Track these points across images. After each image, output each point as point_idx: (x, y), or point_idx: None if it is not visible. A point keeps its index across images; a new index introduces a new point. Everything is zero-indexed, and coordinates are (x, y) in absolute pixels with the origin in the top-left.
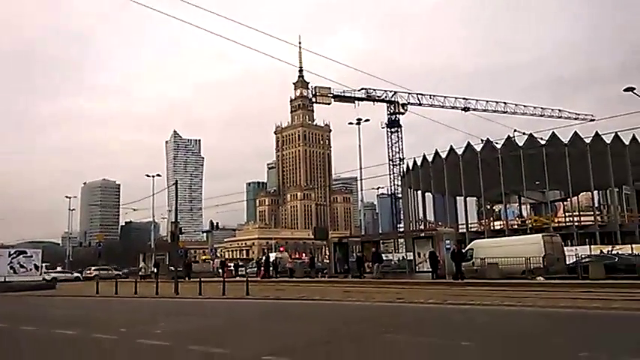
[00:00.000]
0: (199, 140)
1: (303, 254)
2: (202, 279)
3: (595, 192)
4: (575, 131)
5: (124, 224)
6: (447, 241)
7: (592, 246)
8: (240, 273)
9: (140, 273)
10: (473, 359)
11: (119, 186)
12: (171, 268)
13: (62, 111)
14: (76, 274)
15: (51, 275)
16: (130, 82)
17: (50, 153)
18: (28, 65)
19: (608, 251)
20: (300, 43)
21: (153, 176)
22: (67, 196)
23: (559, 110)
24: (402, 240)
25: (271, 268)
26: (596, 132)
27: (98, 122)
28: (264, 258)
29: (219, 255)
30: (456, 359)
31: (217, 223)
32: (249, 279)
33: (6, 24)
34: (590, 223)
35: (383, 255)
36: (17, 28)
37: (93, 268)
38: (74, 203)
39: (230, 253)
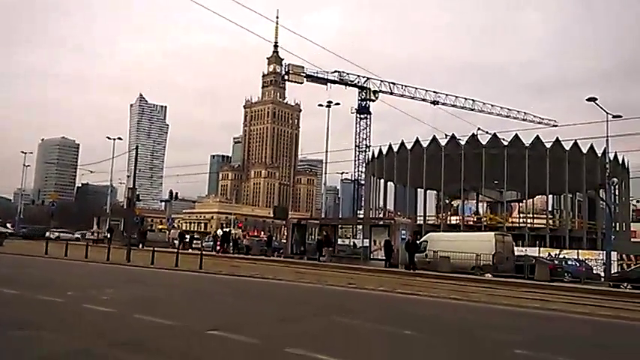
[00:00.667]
0: (165, 107)
1: (262, 232)
2: (156, 248)
3: (550, 196)
4: (537, 135)
5: (80, 185)
6: (403, 232)
7: (542, 248)
8: (195, 245)
9: (92, 237)
10: (415, 347)
11: (78, 146)
12: (125, 234)
13: (25, 63)
14: (77, 235)
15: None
16: (99, 41)
17: (8, 105)
18: None
19: (555, 254)
20: (277, 18)
21: (114, 139)
22: (22, 151)
23: (524, 113)
24: (360, 226)
25: (230, 244)
26: (557, 138)
27: (62, 78)
28: (220, 232)
29: (176, 226)
30: (399, 346)
31: (177, 194)
32: (203, 253)
33: None
34: (542, 226)
35: (340, 240)
36: None
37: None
38: (30, 159)
39: (188, 225)
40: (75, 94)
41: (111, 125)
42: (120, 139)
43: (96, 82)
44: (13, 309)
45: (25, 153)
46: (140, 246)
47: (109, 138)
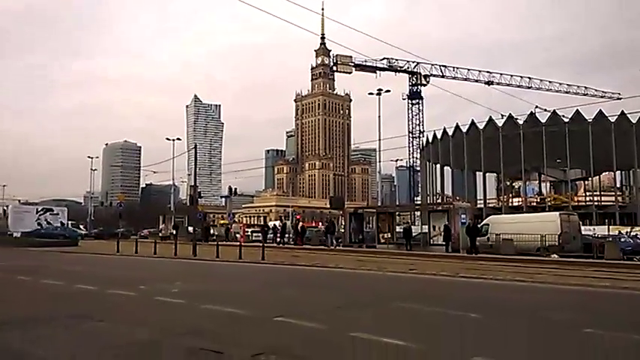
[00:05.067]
0: (219, 105)
1: (320, 223)
2: (219, 242)
3: (617, 172)
4: (600, 109)
5: (144, 186)
6: (463, 216)
7: (611, 226)
8: (255, 238)
9: (160, 234)
10: (479, 330)
11: (140, 148)
12: (190, 230)
13: (85, 71)
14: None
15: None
16: (152, 44)
17: (72, 113)
18: (51, 24)
19: (627, 232)
20: (322, 9)
21: (173, 140)
22: (89, 157)
23: (585, 87)
24: (418, 213)
25: (289, 235)
26: (622, 111)
27: (120, 84)
28: (279, 224)
29: (237, 220)
30: (463, 329)
31: (236, 189)
32: (265, 245)
33: None
34: (611, 203)
35: (398, 227)
36: None
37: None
38: (96, 164)
39: (247, 219)
40: (133, 99)
41: (169, 126)
42: (179, 139)
43: (152, 86)
44: (91, 303)
45: (92, 158)
46: (204, 241)
47: (168, 139)
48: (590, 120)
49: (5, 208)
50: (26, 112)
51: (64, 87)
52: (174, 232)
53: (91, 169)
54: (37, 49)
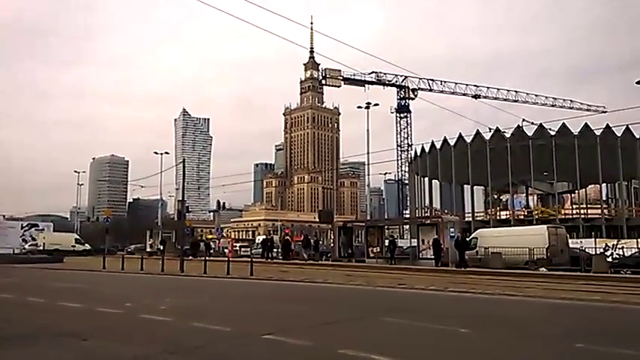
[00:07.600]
0: (208, 119)
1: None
2: (207, 258)
3: (603, 185)
4: (586, 123)
5: (131, 201)
6: (452, 229)
7: (598, 239)
8: (243, 253)
9: (148, 250)
10: (470, 346)
11: (127, 162)
12: (178, 245)
13: (72, 85)
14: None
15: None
16: (141, 58)
17: (59, 126)
18: (39, 36)
19: (613, 245)
20: (312, 23)
21: (161, 154)
22: (75, 171)
23: (570, 101)
24: (407, 226)
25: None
26: (607, 124)
27: (108, 98)
28: (267, 238)
29: (225, 235)
30: (453, 345)
31: (224, 203)
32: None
33: None
34: (597, 216)
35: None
36: None
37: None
38: (83, 178)
39: (236, 233)
40: (120, 112)
41: (157, 140)
42: (167, 153)
43: (140, 99)
44: (78, 321)
45: (78, 172)
46: (192, 257)
47: (156, 153)
48: (576, 133)
49: None
50: (12, 124)
51: (51, 99)
52: (162, 247)
53: (78, 184)
54: (24, 59)
